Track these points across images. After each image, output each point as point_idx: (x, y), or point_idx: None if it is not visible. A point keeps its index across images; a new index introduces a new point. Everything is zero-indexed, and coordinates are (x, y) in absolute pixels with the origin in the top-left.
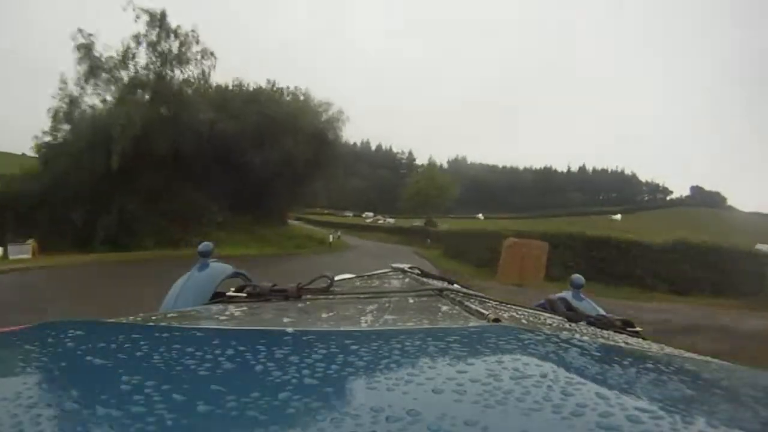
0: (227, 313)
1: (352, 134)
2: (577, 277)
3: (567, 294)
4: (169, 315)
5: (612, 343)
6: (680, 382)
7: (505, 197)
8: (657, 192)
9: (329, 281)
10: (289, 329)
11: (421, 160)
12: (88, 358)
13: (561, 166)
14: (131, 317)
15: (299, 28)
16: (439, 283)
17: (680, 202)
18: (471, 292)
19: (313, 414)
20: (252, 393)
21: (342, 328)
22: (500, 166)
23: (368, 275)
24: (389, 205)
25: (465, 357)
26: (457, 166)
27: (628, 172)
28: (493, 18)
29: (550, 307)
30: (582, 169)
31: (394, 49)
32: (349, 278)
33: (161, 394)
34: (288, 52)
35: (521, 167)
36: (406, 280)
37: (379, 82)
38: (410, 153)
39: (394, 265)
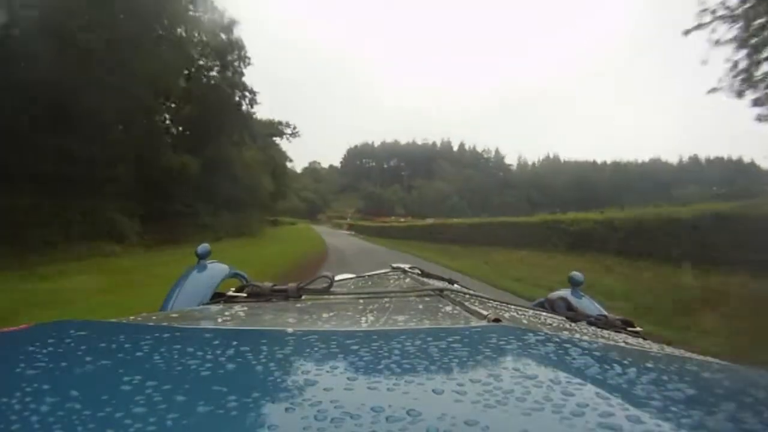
0: (227, 313)
1: (430, 133)
2: (577, 275)
3: (567, 293)
4: (169, 315)
5: (612, 343)
6: (680, 382)
7: (610, 195)
8: None
9: (329, 281)
10: (290, 329)
11: (508, 159)
12: (88, 358)
13: (671, 157)
14: (131, 317)
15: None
16: (439, 283)
17: None
18: (471, 292)
19: (314, 414)
20: (253, 393)
21: (342, 328)
22: (599, 161)
23: (369, 275)
24: (480, 208)
25: (465, 357)
26: (551, 165)
27: (746, 159)
28: None
29: (550, 306)
30: (693, 158)
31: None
32: (350, 278)
33: (162, 395)
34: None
35: (623, 161)
36: (407, 280)
37: (449, 77)
38: (497, 151)
39: (395, 264)
